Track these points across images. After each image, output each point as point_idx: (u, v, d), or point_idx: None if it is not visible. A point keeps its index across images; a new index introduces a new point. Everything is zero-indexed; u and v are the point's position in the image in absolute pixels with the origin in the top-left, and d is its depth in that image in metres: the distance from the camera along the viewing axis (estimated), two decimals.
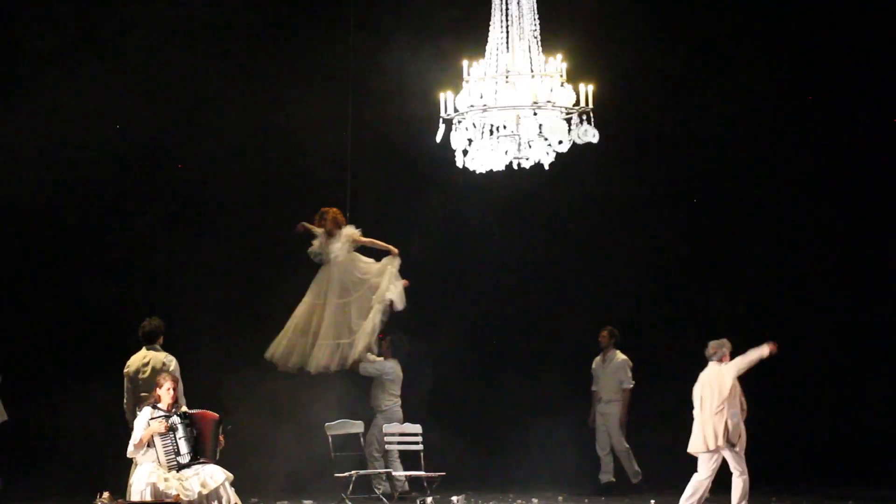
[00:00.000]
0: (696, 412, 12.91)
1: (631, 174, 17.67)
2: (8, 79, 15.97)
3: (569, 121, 11.67)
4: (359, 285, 14.57)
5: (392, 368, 15.08)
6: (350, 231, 14.57)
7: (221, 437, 12.33)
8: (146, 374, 12.84)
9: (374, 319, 14.43)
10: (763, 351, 12.80)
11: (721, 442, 12.72)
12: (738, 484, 12.84)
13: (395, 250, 14.57)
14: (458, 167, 11.82)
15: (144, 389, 12.78)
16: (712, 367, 12.99)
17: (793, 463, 16.16)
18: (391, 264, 14.51)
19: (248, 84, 16.71)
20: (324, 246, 14.58)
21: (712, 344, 13.08)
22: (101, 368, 13.41)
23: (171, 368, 12.74)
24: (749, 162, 17.74)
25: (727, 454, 12.81)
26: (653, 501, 14.96)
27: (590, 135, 11.63)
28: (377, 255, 14.79)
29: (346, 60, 15.67)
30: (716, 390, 12.82)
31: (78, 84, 15.77)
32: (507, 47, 11.53)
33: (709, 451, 12.78)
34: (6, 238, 16.16)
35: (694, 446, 12.91)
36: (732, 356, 13.02)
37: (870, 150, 17.44)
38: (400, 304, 14.42)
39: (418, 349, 15.71)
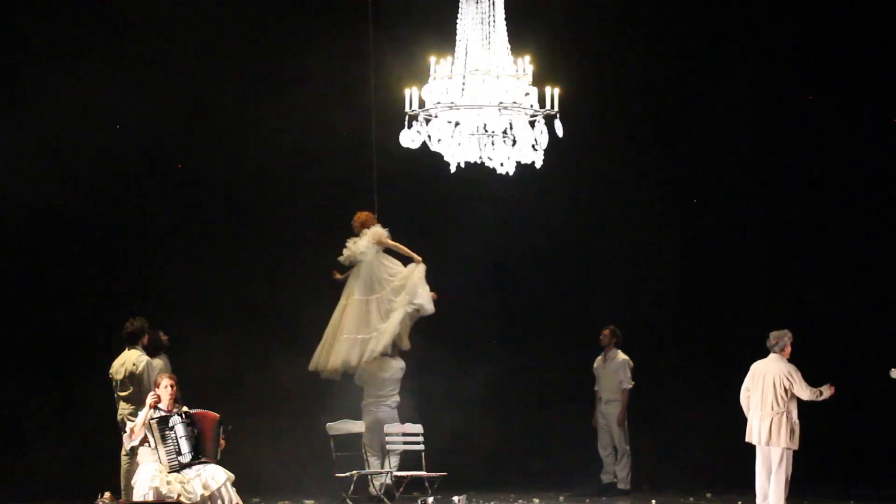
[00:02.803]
0: (753, 402, 12.95)
1: (631, 173, 17.69)
2: (8, 79, 16.02)
3: (533, 123, 11.78)
4: (384, 284, 14.99)
5: (402, 369, 15.21)
6: (376, 230, 15.00)
7: (223, 439, 12.32)
8: (120, 376, 12.93)
9: (395, 321, 14.90)
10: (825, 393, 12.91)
11: (768, 439, 12.84)
12: (777, 483, 12.92)
13: (420, 258, 15.08)
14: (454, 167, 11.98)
15: (120, 390, 12.89)
16: (774, 358, 12.97)
17: (793, 462, 16.15)
18: (417, 270, 15.02)
19: (262, 83, 16.85)
20: (353, 248, 15.01)
21: (773, 335, 13.03)
22: (102, 369, 13.31)
23: (139, 370, 12.78)
24: (749, 161, 17.75)
25: (772, 450, 12.92)
26: (654, 501, 15.01)
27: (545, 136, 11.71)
28: (403, 261, 15.21)
29: (367, 58, 15.58)
30: (779, 387, 12.85)
31: (86, 83, 15.84)
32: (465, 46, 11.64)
33: (763, 445, 12.91)
34: (10, 240, 16.24)
35: (750, 436, 13.03)
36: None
37: (870, 150, 17.45)
38: (429, 309, 14.97)
39: (420, 351, 15.72)
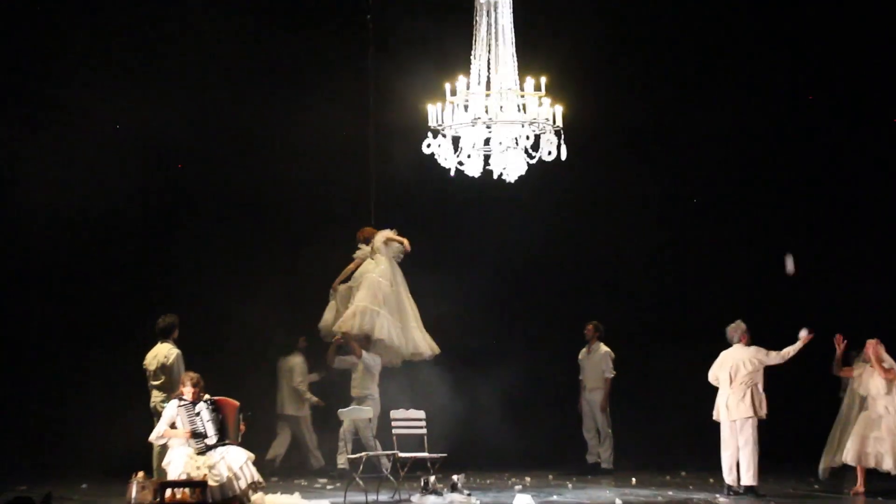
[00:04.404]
0: (722, 384, 13.88)
1: (631, 174, 17.90)
2: (32, 90, 16.38)
3: (539, 136, 12.20)
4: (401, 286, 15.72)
5: (375, 360, 15.57)
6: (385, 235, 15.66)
7: (243, 424, 12.90)
8: (153, 367, 13.33)
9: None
10: (798, 345, 13.78)
11: (738, 411, 13.78)
12: (745, 453, 13.80)
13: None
14: (453, 173, 12.38)
15: (153, 380, 13.30)
16: (738, 347, 13.94)
17: (793, 461, 16.16)
18: None
19: (270, 95, 17.15)
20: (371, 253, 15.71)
21: (729, 329, 14.01)
22: (137, 360, 13.67)
23: (170, 362, 13.24)
24: (749, 162, 17.88)
25: (740, 424, 13.80)
26: (633, 480, 15.39)
27: (547, 151, 12.14)
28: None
29: (366, 75, 16.13)
30: (747, 368, 13.78)
31: (111, 96, 16.30)
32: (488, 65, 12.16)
33: (730, 420, 13.83)
34: (51, 242, 16.56)
35: (717, 414, 13.98)
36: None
37: (870, 150, 17.56)
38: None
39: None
